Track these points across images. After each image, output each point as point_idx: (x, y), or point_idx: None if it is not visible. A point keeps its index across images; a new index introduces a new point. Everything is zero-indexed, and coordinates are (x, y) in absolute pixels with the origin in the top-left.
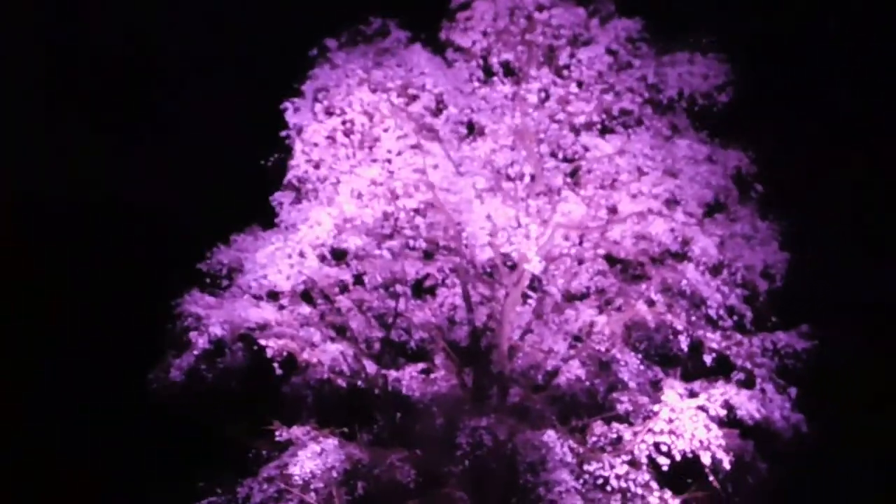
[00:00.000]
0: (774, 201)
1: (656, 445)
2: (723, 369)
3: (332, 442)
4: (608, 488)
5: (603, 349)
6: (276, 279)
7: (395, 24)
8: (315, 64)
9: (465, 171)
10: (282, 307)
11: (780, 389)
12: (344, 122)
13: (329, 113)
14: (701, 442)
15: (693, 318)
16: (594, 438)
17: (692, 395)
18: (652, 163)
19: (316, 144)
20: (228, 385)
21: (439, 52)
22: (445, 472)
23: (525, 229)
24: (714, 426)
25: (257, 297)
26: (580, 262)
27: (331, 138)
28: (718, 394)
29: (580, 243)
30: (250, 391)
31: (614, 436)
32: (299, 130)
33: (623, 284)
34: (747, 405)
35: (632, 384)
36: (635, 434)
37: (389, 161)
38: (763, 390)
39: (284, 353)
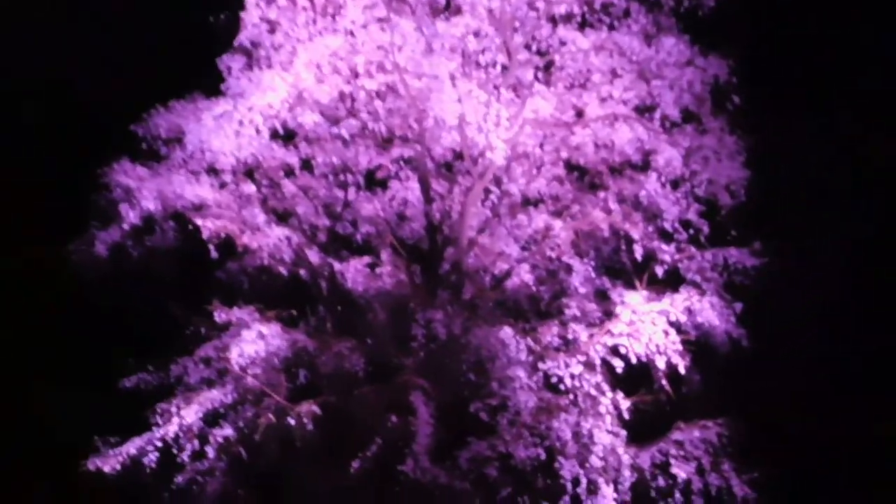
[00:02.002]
0: (748, 117)
1: (612, 348)
2: (672, 282)
3: (274, 327)
4: (561, 387)
5: (554, 255)
6: (219, 154)
7: None
8: None
9: (434, 52)
10: (222, 185)
11: (727, 303)
12: None
13: None
14: (658, 346)
15: (649, 230)
16: (548, 339)
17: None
18: (628, 64)
19: (272, 1)
20: (157, 265)
21: None
22: (396, 363)
23: (496, 117)
24: (673, 331)
25: (194, 173)
26: (540, 164)
27: None
28: (681, 300)
29: (541, 145)
30: (181, 274)
31: (570, 337)
32: None
33: (579, 192)
34: (708, 313)
35: (582, 290)
36: (591, 336)
37: (353, 34)
38: (711, 304)
39: (222, 236)
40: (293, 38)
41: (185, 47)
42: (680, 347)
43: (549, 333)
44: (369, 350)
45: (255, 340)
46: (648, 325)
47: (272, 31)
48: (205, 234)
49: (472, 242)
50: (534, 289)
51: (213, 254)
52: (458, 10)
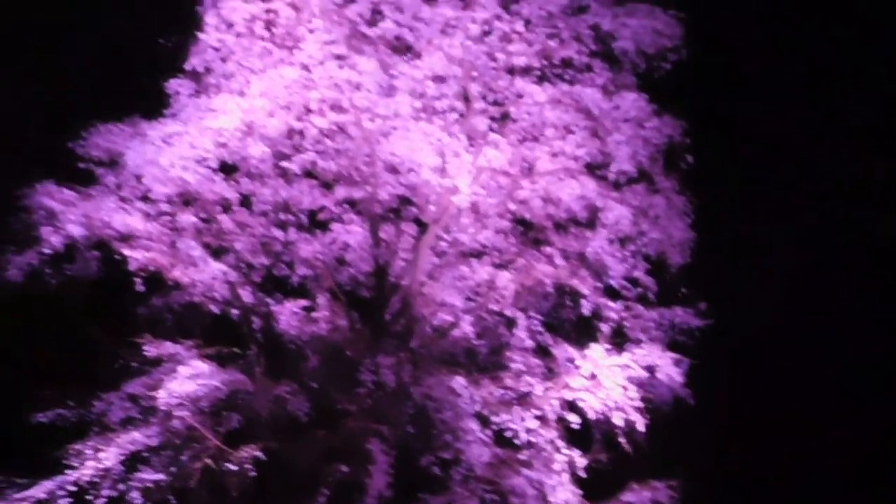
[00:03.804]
0: (697, 177)
1: (569, 403)
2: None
3: (209, 365)
4: (516, 442)
5: (497, 308)
6: (155, 181)
7: None
8: None
9: (392, 93)
10: (155, 215)
11: (675, 362)
12: (267, 11)
13: None
14: (616, 402)
15: (596, 286)
16: (501, 392)
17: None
18: (583, 119)
19: (231, 26)
20: (75, 295)
21: None
22: (340, 409)
23: (458, 161)
24: (633, 387)
25: (126, 200)
26: (486, 216)
27: (249, 26)
28: (641, 355)
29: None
30: (100, 306)
31: (523, 390)
32: (215, 1)
33: (523, 246)
34: (670, 369)
35: (527, 344)
36: (547, 390)
37: (308, 69)
38: (661, 361)
39: (150, 268)
40: (246, 68)
41: (127, 68)
42: (640, 404)
43: (502, 386)
44: (314, 394)
45: (190, 377)
46: (607, 380)
47: (224, 59)
48: (132, 266)
49: (420, 289)
50: (475, 341)
51: (139, 287)
52: (418, 54)
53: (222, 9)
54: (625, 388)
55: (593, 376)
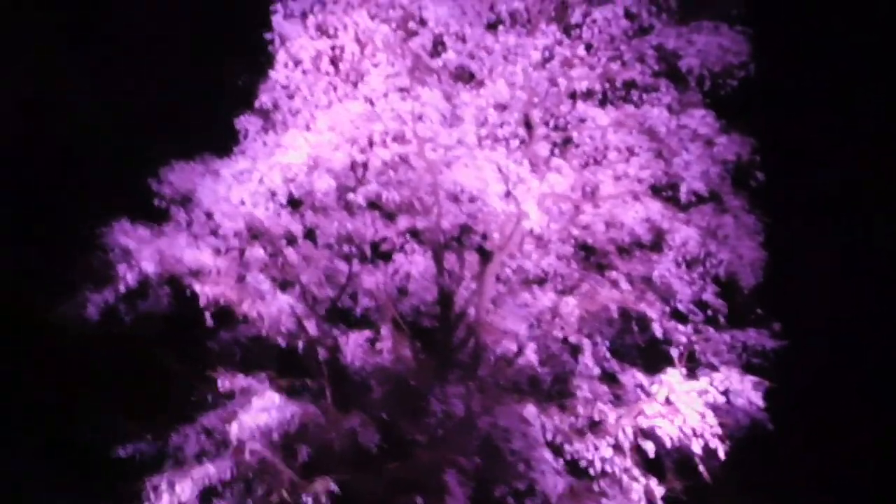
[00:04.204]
0: (768, 195)
1: (643, 430)
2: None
3: (281, 397)
4: (591, 472)
5: (562, 336)
6: (225, 216)
7: None
8: None
9: (456, 123)
10: (224, 250)
11: (754, 385)
12: (333, 48)
13: (320, 31)
14: (693, 429)
15: (664, 310)
16: (573, 419)
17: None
18: (647, 141)
19: (299, 63)
20: (147, 330)
21: None
22: (410, 440)
23: (527, 185)
24: (710, 413)
25: (196, 236)
26: (548, 241)
27: (315, 62)
28: (719, 379)
29: (549, 222)
30: (171, 340)
31: (596, 418)
32: (284, 41)
33: (586, 271)
34: (750, 393)
35: (594, 371)
36: (620, 417)
37: (372, 102)
38: (740, 386)
39: (220, 302)
40: (312, 103)
41: (201, 105)
42: (719, 431)
43: (575, 414)
44: (383, 425)
45: (263, 409)
46: (684, 407)
47: (291, 95)
48: (202, 301)
49: (485, 317)
50: (539, 368)
51: (209, 321)
52: (481, 83)
53: (291, 47)
54: (702, 414)
55: (669, 402)
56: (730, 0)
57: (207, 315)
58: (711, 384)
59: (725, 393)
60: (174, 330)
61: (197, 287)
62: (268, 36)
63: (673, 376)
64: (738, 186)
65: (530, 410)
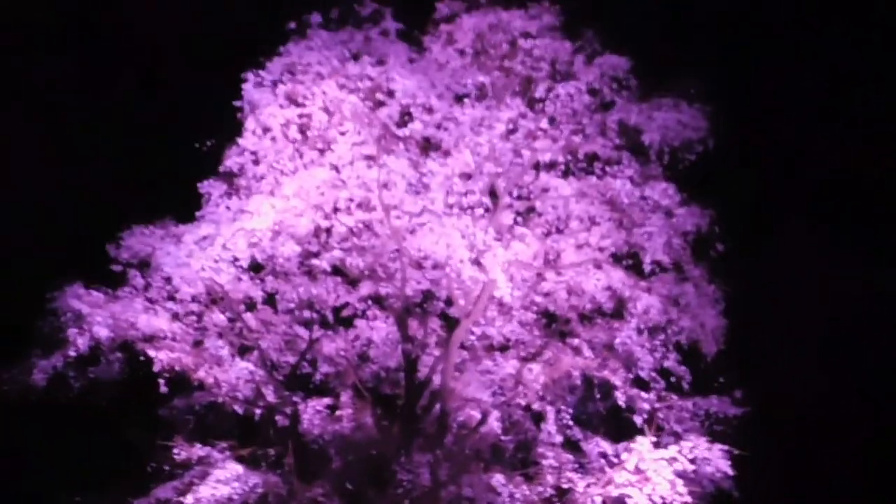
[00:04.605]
0: (727, 265)
1: (613, 500)
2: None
3: (239, 468)
4: None
5: (524, 403)
6: (184, 281)
7: (390, 12)
8: (290, 39)
9: (422, 191)
10: (180, 315)
11: (723, 454)
12: (301, 116)
13: (290, 99)
14: (663, 498)
15: (627, 377)
16: (540, 488)
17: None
18: (609, 211)
19: (267, 130)
20: (96, 398)
21: (422, 55)
22: None
23: (493, 252)
24: (680, 481)
25: (152, 301)
26: (510, 308)
27: (283, 130)
28: (688, 447)
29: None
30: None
31: (564, 486)
32: (254, 108)
33: (548, 338)
34: (719, 462)
35: (556, 439)
36: (588, 486)
37: (338, 169)
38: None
39: (175, 368)
40: (277, 170)
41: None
42: (688, 499)
43: (542, 482)
44: (347, 495)
45: (224, 481)
46: (654, 475)
47: (257, 161)
48: (156, 367)
49: (449, 384)
50: (502, 437)
51: (163, 388)
52: (447, 153)
53: (261, 114)
54: (672, 482)
55: (639, 470)
56: (689, 79)
57: (161, 382)
58: (680, 452)
59: (693, 461)
60: (127, 397)
61: (151, 352)
62: (237, 103)
63: (642, 444)
64: (698, 257)
65: (498, 479)
